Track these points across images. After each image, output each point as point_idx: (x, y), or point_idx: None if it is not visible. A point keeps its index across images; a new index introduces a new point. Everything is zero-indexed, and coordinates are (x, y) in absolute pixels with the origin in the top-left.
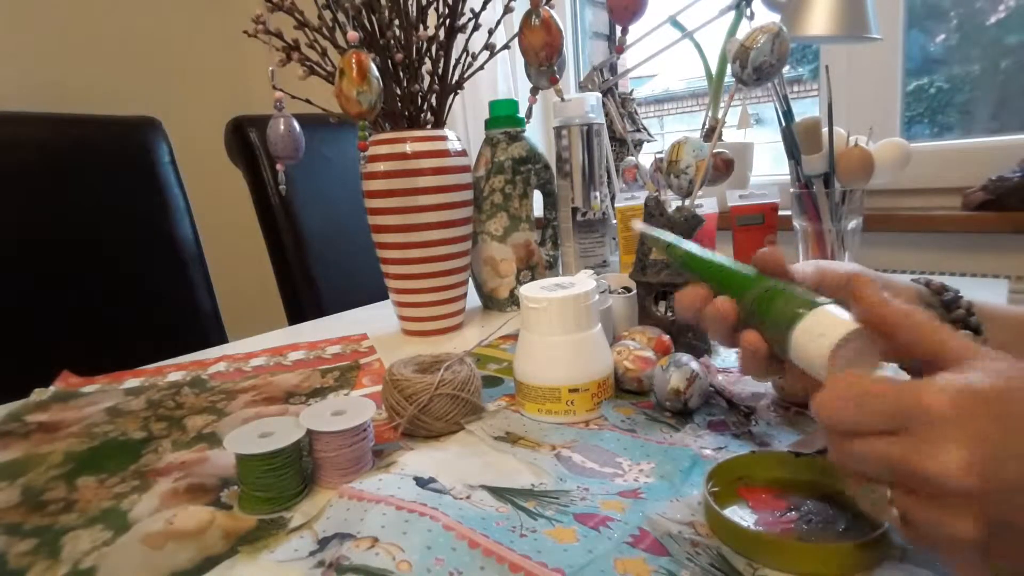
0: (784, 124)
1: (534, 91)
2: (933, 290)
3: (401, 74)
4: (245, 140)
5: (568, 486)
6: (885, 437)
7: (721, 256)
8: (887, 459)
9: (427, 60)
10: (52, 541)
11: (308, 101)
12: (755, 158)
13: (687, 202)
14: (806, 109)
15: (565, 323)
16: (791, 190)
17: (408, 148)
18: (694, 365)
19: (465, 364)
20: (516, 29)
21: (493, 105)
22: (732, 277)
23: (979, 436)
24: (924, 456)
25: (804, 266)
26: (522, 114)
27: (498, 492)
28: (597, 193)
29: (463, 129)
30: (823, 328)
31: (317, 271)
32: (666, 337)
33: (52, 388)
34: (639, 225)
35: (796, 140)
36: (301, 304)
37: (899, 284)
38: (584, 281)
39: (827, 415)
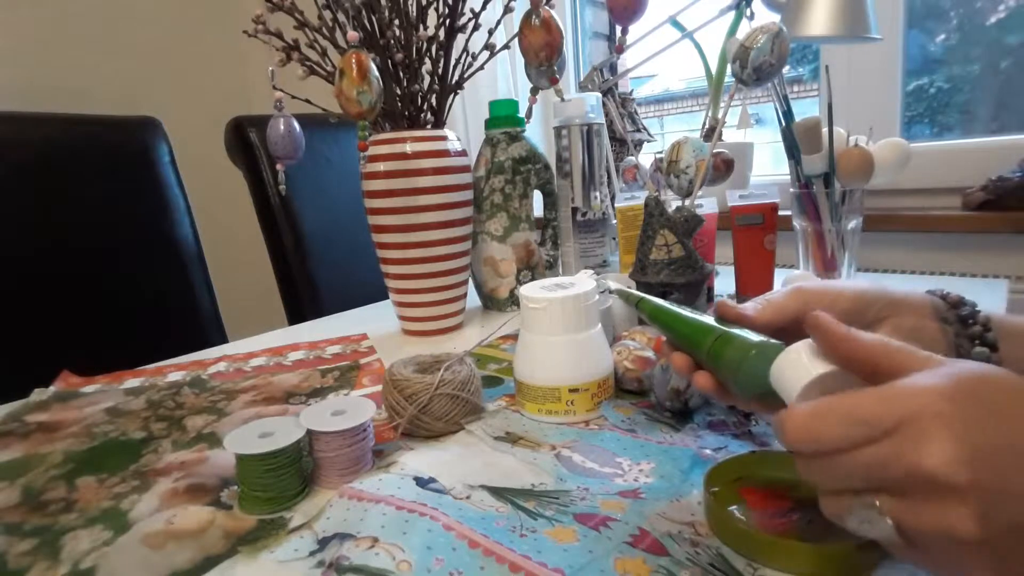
0: (784, 124)
1: (534, 91)
2: (950, 303)
3: (401, 74)
4: (245, 140)
5: (568, 486)
6: (871, 444)
7: (686, 310)
8: (877, 462)
9: (427, 60)
10: (52, 541)
11: (308, 101)
12: (755, 158)
13: (687, 202)
14: (806, 109)
15: (565, 323)
16: (791, 190)
17: (408, 148)
18: None
19: (465, 364)
20: (516, 29)
21: (493, 105)
22: (691, 327)
23: (967, 424)
24: (914, 449)
25: (778, 294)
26: (522, 114)
27: (498, 492)
28: (597, 193)
29: (463, 129)
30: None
31: (317, 271)
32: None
33: (52, 388)
34: (613, 286)
35: (796, 140)
36: (301, 304)
37: (912, 298)
38: (584, 281)
39: (808, 437)
